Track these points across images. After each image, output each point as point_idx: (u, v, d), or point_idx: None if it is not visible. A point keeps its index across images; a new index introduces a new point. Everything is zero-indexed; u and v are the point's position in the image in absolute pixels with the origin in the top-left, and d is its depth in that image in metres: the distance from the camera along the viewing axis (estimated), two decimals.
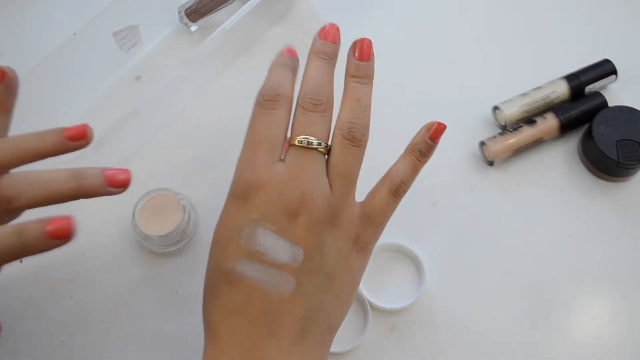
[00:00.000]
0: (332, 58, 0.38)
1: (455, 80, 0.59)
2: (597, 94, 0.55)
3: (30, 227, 0.32)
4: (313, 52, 0.38)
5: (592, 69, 0.56)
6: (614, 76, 0.56)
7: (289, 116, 0.37)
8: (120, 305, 0.50)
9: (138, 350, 0.49)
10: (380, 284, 0.50)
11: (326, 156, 0.37)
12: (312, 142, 0.35)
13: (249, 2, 0.54)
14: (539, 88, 0.56)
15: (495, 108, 0.56)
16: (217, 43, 0.53)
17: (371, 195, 0.38)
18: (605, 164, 0.52)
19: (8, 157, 0.35)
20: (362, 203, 0.37)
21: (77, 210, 0.51)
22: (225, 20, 0.54)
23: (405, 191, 0.38)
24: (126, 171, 0.37)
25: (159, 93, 0.51)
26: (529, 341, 0.48)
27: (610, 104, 0.54)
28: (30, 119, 0.51)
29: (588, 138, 0.53)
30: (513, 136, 0.53)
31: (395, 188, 0.37)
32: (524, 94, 0.55)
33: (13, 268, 0.51)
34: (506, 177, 0.54)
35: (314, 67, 0.37)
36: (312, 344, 0.35)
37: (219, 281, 0.35)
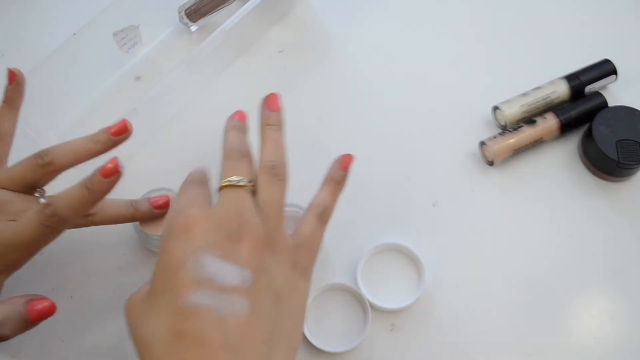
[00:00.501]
0: (244, 131, 0.44)
1: (455, 80, 0.59)
2: (597, 94, 0.55)
3: (90, 177, 0.40)
4: (228, 128, 0.43)
5: (592, 69, 0.56)
6: (614, 76, 0.56)
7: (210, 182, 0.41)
8: (120, 305, 0.50)
9: None
10: (380, 284, 0.50)
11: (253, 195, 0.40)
12: (240, 181, 0.39)
13: (249, 2, 0.54)
14: (539, 88, 0.56)
15: (495, 108, 0.56)
16: (217, 43, 0.53)
17: (300, 223, 0.41)
18: (605, 164, 0.52)
19: (68, 159, 0.43)
20: (293, 233, 0.40)
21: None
22: (225, 20, 0.54)
23: (329, 216, 0.42)
24: (165, 196, 0.50)
25: (159, 93, 0.51)
26: (529, 341, 0.48)
27: (610, 104, 0.54)
28: (31, 118, 0.51)
29: (588, 138, 0.53)
30: (513, 136, 0.53)
31: (320, 214, 0.41)
32: (524, 94, 0.55)
33: None
34: (506, 177, 0.54)
35: (232, 134, 0.43)
36: None
37: (172, 319, 0.33)
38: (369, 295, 0.49)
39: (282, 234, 0.39)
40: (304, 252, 0.39)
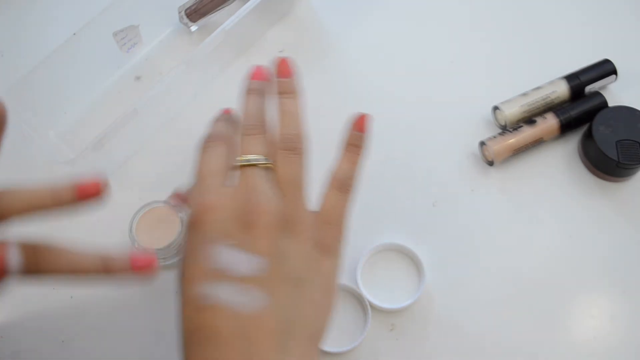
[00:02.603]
0: (263, 93, 0.41)
1: (455, 80, 0.59)
2: (597, 94, 0.55)
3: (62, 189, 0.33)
4: (246, 91, 0.41)
5: (592, 69, 0.56)
6: (614, 76, 0.56)
7: (230, 151, 0.39)
8: (120, 305, 0.50)
9: (137, 350, 0.49)
10: (380, 284, 0.50)
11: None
12: (251, 159, 0.37)
13: (249, 2, 0.54)
14: (539, 88, 0.56)
15: (495, 108, 0.56)
16: (217, 43, 0.53)
17: (321, 198, 0.39)
18: (605, 164, 0.52)
19: (15, 209, 0.33)
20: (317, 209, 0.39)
21: (77, 219, 0.52)
22: (225, 20, 0.54)
23: (351, 186, 0.39)
24: (148, 256, 0.35)
25: (159, 93, 0.51)
26: (529, 341, 0.48)
27: (610, 104, 0.54)
28: (30, 119, 0.51)
29: (588, 138, 0.53)
30: (513, 136, 0.53)
31: (339, 184, 0.39)
32: (524, 94, 0.55)
33: None
34: (506, 177, 0.54)
35: (249, 102, 0.41)
36: (295, 358, 0.33)
37: (189, 312, 0.34)
38: (369, 295, 0.49)
39: (302, 212, 0.37)
40: (327, 228, 0.37)
